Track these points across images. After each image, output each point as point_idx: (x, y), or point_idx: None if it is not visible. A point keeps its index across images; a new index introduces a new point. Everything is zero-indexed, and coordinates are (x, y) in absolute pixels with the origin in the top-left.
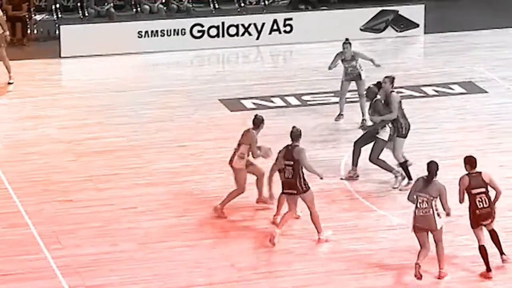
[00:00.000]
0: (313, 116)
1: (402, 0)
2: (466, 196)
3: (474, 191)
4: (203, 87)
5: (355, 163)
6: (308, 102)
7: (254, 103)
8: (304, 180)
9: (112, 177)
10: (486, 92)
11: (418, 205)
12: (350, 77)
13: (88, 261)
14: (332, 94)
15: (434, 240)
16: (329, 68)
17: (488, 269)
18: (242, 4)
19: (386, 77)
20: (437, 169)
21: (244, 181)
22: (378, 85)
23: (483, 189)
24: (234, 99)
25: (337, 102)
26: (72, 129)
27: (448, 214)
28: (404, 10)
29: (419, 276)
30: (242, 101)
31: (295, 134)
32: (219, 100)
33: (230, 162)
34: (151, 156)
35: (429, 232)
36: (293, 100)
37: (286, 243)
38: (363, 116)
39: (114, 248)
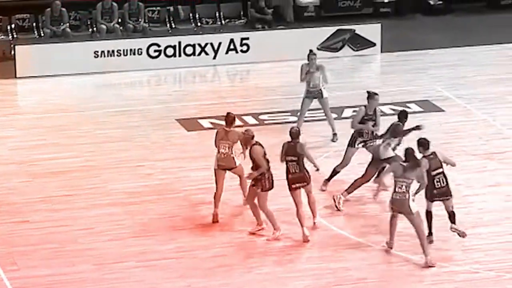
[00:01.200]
0: (271, 136)
1: (358, 19)
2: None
3: (433, 173)
4: (160, 106)
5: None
6: (265, 122)
7: (211, 123)
8: (308, 171)
9: (69, 197)
10: (443, 110)
11: (397, 189)
12: (312, 94)
13: (44, 282)
14: (289, 114)
15: (413, 226)
16: (301, 80)
17: (430, 233)
18: (199, 24)
19: (375, 93)
20: (414, 154)
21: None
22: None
23: (441, 169)
24: (191, 118)
25: (294, 122)
26: (28, 150)
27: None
28: (361, 29)
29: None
30: (199, 120)
31: (295, 133)
32: (176, 119)
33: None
34: (108, 176)
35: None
36: (250, 119)
37: (243, 261)
38: (333, 131)
39: (71, 269)
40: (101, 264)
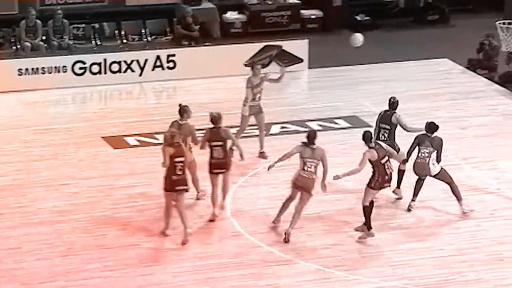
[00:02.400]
0: (199, 152)
1: (286, 35)
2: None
3: (383, 161)
4: (86, 124)
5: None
6: None
7: (137, 140)
8: (230, 158)
9: None
10: (371, 126)
11: (305, 168)
12: (253, 111)
13: None
14: None
15: (300, 203)
16: (277, 79)
17: (369, 228)
18: (124, 41)
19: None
20: (315, 137)
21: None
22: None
23: (387, 157)
24: (117, 136)
25: None
26: None
27: (325, 176)
28: (288, 45)
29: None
30: (126, 138)
31: (216, 118)
32: (102, 137)
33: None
34: (36, 195)
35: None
36: None
37: (172, 280)
38: (261, 148)
39: None
40: (29, 284)
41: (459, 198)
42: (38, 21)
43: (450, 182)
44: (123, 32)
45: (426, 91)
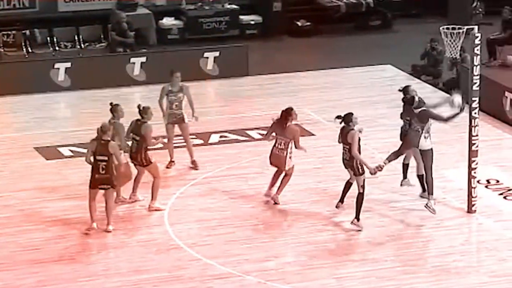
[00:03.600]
0: None
1: (224, 42)
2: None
3: (342, 145)
4: (17, 135)
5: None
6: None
7: (71, 151)
8: (146, 155)
9: None
10: (313, 135)
11: (276, 145)
12: (173, 119)
13: None
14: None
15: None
16: (160, 102)
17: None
18: (57, 48)
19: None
20: (288, 114)
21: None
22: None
23: (347, 147)
24: (50, 147)
25: (161, 148)
26: None
27: (301, 149)
28: (227, 52)
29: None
30: (59, 148)
31: (141, 112)
32: (35, 148)
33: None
34: None
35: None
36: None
37: None
38: (191, 158)
39: None
40: None
41: (428, 191)
42: None
43: (427, 168)
44: (55, 39)
45: (370, 98)
